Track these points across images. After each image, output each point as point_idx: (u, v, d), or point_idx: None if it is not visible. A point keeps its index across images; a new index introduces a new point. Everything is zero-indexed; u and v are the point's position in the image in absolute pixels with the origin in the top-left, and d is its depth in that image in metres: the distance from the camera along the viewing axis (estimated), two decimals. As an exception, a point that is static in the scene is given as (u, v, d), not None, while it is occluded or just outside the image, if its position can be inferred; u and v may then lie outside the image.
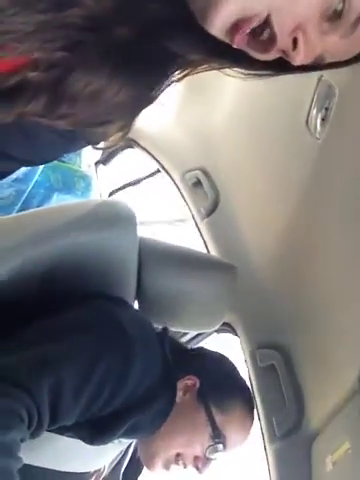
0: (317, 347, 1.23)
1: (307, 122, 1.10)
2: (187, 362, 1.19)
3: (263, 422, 1.32)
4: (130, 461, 1.40)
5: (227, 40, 0.59)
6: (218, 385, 1.18)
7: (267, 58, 0.62)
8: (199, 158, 1.64)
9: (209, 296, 1.37)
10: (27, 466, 0.91)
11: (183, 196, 1.71)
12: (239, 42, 0.58)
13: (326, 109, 1.03)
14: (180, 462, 1.13)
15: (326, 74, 1.01)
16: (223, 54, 0.65)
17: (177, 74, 0.70)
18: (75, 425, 1.03)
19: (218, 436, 1.12)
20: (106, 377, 0.98)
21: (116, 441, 1.15)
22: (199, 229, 1.66)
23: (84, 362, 0.98)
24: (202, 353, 1.26)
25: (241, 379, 1.26)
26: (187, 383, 1.15)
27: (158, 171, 1.86)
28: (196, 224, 1.67)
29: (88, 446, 1.11)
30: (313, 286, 1.24)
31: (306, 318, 1.28)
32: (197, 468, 1.14)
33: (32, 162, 0.83)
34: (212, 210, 1.61)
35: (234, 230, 1.54)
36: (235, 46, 0.59)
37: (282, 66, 0.65)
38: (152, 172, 1.96)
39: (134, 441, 1.36)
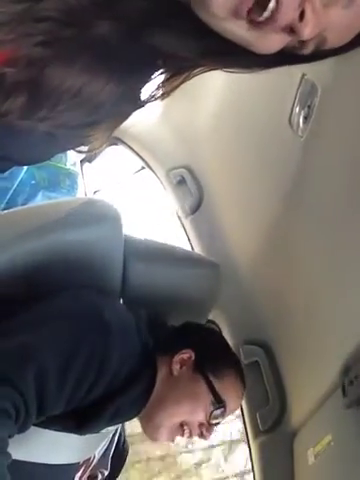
0: (300, 343, 1.25)
1: (290, 120, 1.11)
2: (180, 338, 1.24)
3: (247, 417, 1.34)
4: (116, 447, 1.41)
5: (230, 21, 0.58)
6: (212, 354, 1.23)
7: (270, 49, 0.61)
8: (184, 156, 1.65)
9: (194, 293, 1.38)
10: (14, 461, 0.91)
11: (168, 194, 1.72)
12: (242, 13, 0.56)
13: (309, 107, 1.04)
14: (186, 431, 1.18)
15: (309, 72, 1.02)
16: (215, 52, 0.64)
17: (170, 81, 0.69)
18: (61, 417, 1.04)
19: (219, 401, 1.17)
20: (88, 362, 1.00)
21: (104, 430, 1.17)
22: (184, 226, 1.67)
23: (65, 348, 1.00)
24: (193, 327, 1.31)
25: (228, 345, 1.32)
26: (183, 357, 1.19)
27: (143, 169, 1.86)
28: (180, 222, 1.68)
29: (76, 438, 1.12)
30: (296, 284, 1.26)
31: (289, 315, 1.30)
32: (202, 434, 1.19)
33: (24, 162, 0.83)
34: (196, 208, 1.62)
35: (218, 228, 1.55)
36: (240, 21, 0.57)
37: (277, 60, 0.65)
38: (137, 170, 1.97)
39: (119, 428, 1.38)
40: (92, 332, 1.04)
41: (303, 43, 0.61)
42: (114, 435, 1.38)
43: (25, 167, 1.83)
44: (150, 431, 1.20)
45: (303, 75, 1.03)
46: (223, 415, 1.20)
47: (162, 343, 1.20)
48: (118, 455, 1.43)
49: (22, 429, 0.96)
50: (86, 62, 0.63)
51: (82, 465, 1.29)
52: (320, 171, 1.11)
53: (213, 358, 1.23)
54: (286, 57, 0.65)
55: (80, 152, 0.78)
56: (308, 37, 0.59)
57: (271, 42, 0.61)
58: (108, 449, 1.39)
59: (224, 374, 1.20)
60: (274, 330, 1.35)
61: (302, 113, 1.07)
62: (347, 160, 1.02)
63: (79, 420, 1.08)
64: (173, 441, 1.21)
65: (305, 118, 1.06)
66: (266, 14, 0.57)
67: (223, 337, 1.35)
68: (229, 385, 1.21)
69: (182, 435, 1.19)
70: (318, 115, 1.04)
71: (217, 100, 1.41)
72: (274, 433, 1.26)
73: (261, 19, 0.57)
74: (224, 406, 1.18)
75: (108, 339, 1.04)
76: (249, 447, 1.33)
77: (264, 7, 0.56)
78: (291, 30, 0.59)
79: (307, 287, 1.21)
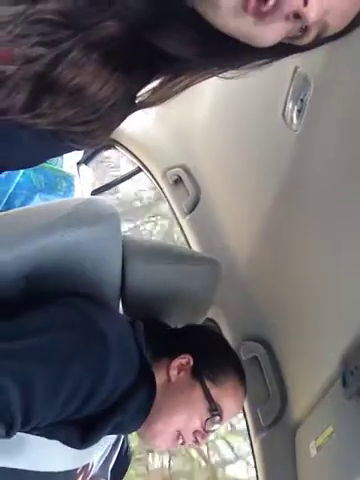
0: (298, 337, 1.25)
1: (283, 114, 1.11)
2: (179, 341, 1.21)
3: (248, 413, 1.34)
4: (118, 457, 1.39)
5: (235, 17, 0.59)
6: (211, 360, 1.20)
7: (274, 39, 0.61)
8: (180, 155, 1.66)
9: (194, 291, 1.38)
10: (4, 469, 0.89)
11: (164, 194, 1.73)
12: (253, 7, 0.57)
13: (302, 101, 1.05)
14: (180, 437, 1.15)
15: (301, 65, 1.03)
16: (217, 51, 0.65)
17: (167, 85, 0.70)
18: (60, 429, 1.02)
19: (215, 409, 1.15)
20: (82, 377, 0.96)
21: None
22: (181, 226, 1.67)
23: (57, 362, 0.96)
24: (193, 330, 1.28)
25: (231, 350, 1.29)
26: (181, 362, 1.17)
27: (139, 170, 1.87)
28: (178, 221, 1.68)
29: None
30: (293, 278, 1.26)
31: (287, 310, 1.30)
32: (196, 441, 1.16)
33: (14, 166, 0.83)
34: (193, 207, 1.63)
35: (215, 226, 1.56)
36: (250, 14, 0.58)
37: (276, 52, 0.66)
38: (133, 171, 1.97)
39: (122, 437, 1.36)
40: (88, 347, 0.99)
41: (305, 31, 0.62)
42: (116, 444, 1.35)
43: (21, 170, 1.84)
44: (148, 439, 1.17)
45: (296, 68, 1.03)
46: (219, 422, 1.17)
47: (161, 347, 1.18)
48: (119, 464, 1.40)
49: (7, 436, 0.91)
50: (85, 61, 0.65)
51: (80, 474, 1.26)
52: (315, 165, 1.11)
53: (212, 364, 1.19)
54: (285, 49, 0.66)
55: (78, 150, 0.78)
56: (314, 21, 0.60)
57: (274, 32, 0.61)
58: (109, 458, 1.37)
59: (223, 381, 1.18)
60: (273, 325, 1.35)
61: (295, 107, 1.07)
62: (342, 153, 1.03)
63: (82, 432, 1.05)
64: (171, 447, 1.17)
65: (298, 112, 1.07)
66: (271, 2, 0.57)
67: (225, 340, 1.32)
68: (227, 391, 1.18)
69: (177, 443, 1.16)
70: (311, 108, 1.04)
71: (211, 98, 1.42)
72: (276, 428, 1.26)
73: (266, 8, 0.58)
74: (220, 414, 1.15)
75: (105, 355, 1.00)
76: (251, 443, 1.33)
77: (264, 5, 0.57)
78: (296, 16, 0.59)
79: (304, 281, 1.21)
